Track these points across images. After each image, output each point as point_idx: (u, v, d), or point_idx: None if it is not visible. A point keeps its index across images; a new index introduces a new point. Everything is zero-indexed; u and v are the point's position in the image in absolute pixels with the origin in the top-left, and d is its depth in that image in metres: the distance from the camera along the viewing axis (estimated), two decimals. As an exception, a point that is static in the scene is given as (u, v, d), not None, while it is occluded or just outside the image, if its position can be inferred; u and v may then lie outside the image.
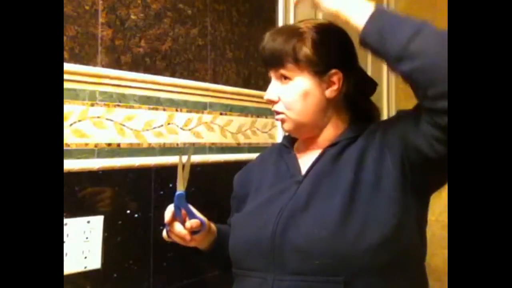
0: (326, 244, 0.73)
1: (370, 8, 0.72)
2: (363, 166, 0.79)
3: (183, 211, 0.83)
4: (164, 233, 0.88)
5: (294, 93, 0.84)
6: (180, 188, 0.83)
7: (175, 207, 0.83)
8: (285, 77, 0.84)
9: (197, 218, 0.84)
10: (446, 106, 0.62)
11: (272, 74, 0.87)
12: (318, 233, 0.74)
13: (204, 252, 0.94)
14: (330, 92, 0.84)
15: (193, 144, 1.21)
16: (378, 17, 0.71)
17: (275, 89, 0.86)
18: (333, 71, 0.83)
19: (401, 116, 0.82)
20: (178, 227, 0.84)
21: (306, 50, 0.82)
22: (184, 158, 0.86)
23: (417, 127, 0.72)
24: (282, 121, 0.87)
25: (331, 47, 0.85)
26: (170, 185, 1.14)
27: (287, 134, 0.96)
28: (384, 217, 0.74)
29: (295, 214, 0.78)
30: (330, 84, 0.84)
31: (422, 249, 0.83)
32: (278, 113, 0.87)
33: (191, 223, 0.83)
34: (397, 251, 0.75)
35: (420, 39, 0.66)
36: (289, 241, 0.76)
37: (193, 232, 0.84)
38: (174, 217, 0.84)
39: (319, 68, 0.83)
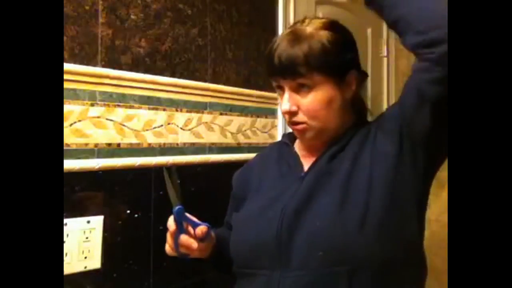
0: (327, 235, 0.73)
1: None
2: (361, 156, 0.80)
3: (185, 224, 0.81)
4: (168, 248, 0.84)
5: (318, 102, 0.79)
6: (176, 203, 0.81)
7: (178, 223, 0.80)
8: (304, 86, 0.79)
9: (203, 225, 0.82)
10: (438, 36, 0.63)
11: (285, 85, 0.80)
12: (319, 225, 0.75)
13: (206, 260, 0.92)
14: (347, 94, 0.84)
15: (193, 144, 1.21)
16: None
17: (292, 99, 0.80)
18: (350, 72, 0.83)
19: (391, 105, 0.85)
20: (184, 237, 0.81)
21: (322, 53, 0.78)
22: (168, 172, 0.84)
23: (408, 90, 0.75)
24: (304, 130, 0.82)
25: (345, 47, 0.83)
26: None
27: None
28: (382, 205, 0.74)
29: (298, 210, 0.78)
30: (348, 85, 0.83)
31: (421, 233, 0.82)
32: (297, 123, 0.81)
33: (200, 229, 0.80)
34: (399, 239, 0.75)
35: None
36: (294, 237, 0.76)
37: (200, 239, 0.82)
38: (180, 232, 0.81)
39: (338, 71, 0.81)
